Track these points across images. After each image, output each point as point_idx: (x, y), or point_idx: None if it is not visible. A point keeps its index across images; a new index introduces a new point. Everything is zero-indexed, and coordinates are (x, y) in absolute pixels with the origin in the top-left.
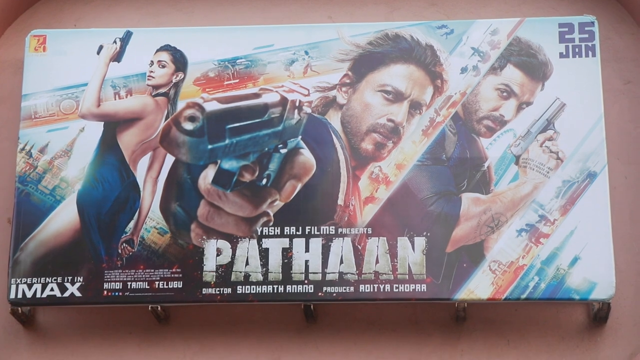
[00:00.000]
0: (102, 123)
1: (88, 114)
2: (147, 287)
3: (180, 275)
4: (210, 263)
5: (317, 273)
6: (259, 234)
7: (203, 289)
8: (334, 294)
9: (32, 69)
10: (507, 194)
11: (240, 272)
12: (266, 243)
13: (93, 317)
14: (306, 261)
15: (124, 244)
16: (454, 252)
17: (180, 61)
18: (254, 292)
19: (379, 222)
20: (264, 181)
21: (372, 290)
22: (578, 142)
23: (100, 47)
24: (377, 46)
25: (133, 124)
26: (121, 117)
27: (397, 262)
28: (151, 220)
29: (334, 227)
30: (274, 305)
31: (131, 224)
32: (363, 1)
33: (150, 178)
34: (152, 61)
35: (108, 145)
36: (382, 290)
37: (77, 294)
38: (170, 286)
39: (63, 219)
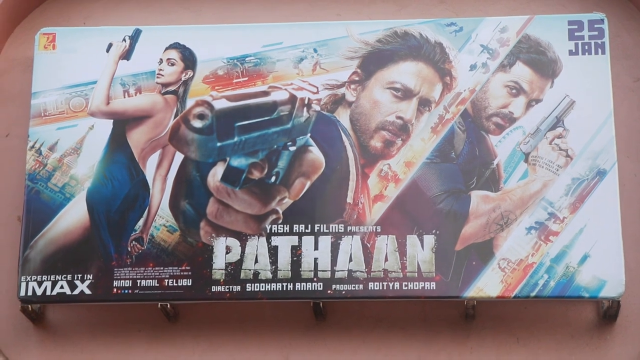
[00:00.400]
0: (112, 121)
1: (97, 112)
2: (156, 284)
3: (190, 273)
4: (219, 261)
5: (326, 271)
6: (268, 231)
7: (212, 287)
8: (343, 292)
9: (41, 66)
10: (516, 192)
11: (250, 269)
12: (275, 241)
13: (102, 315)
14: (315, 259)
15: (134, 242)
16: (463, 250)
17: (189, 59)
18: (263, 289)
19: (388, 220)
20: (273, 179)
21: (381, 288)
22: (587, 140)
23: (110, 45)
24: (386, 44)
25: (142, 121)
26: (130, 115)
27: (406, 260)
28: (160, 218)
29: (343, 225)
30: (283, 303)
31: (140, 222)
32: None
33: (160, 176)
34: (161, 59)
35: (117, 143)
36: (391, 288)
37: (87, 291)
38: (179, 284)
39: (73, 216)
